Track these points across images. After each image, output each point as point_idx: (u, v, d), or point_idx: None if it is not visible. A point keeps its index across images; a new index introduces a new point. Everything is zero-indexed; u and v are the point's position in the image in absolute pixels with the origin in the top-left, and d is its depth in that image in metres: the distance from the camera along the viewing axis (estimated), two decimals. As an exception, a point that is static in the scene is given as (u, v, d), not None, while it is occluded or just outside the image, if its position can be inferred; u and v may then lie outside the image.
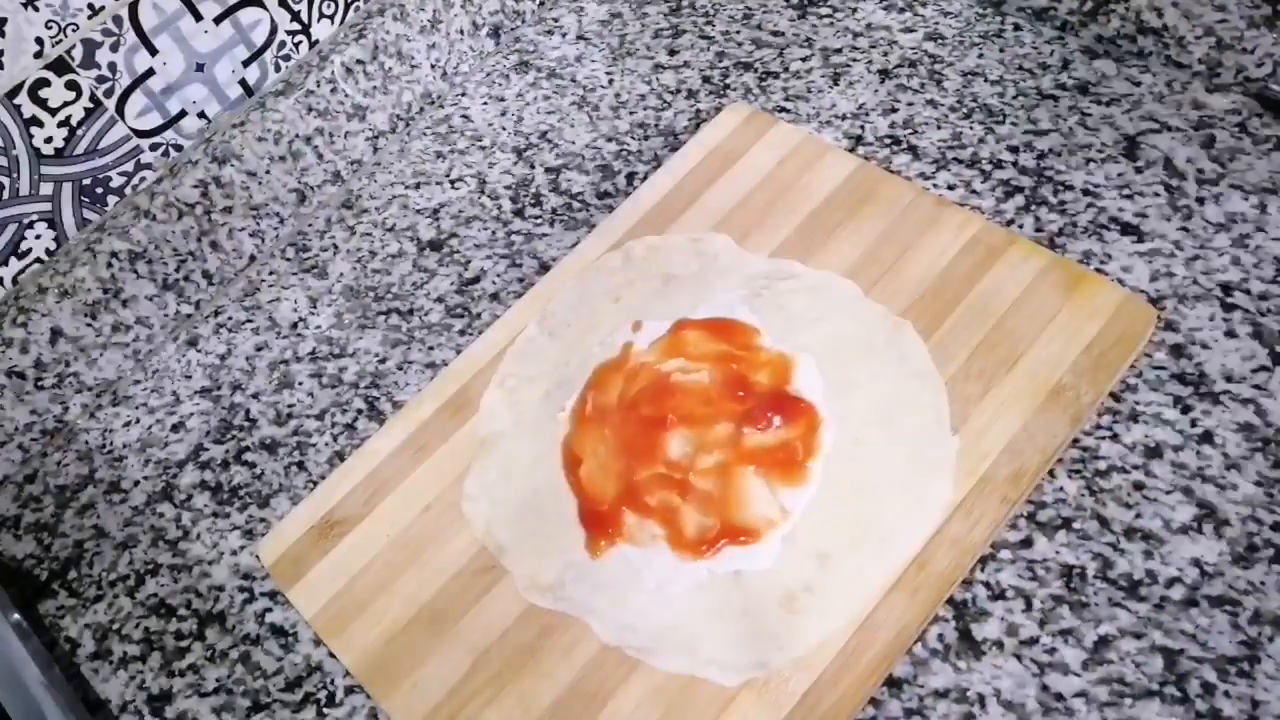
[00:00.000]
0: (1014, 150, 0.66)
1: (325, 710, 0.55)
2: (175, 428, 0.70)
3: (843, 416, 0.56)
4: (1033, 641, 0.48)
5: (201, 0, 0.69)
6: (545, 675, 0.52)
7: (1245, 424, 0.52)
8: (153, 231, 0.71)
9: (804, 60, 0.76)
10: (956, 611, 0.50)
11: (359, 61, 0.77)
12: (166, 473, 0.68)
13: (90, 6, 0.64)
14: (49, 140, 0.66)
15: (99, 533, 0.66)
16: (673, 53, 0.80)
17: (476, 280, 0.71)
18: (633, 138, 0.76)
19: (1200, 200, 0.60)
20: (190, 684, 0.58)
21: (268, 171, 0.75)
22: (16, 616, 0.61)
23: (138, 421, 0.71)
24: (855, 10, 0.77)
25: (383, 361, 0.69)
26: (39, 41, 0.63)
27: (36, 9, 0.62)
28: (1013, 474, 0.52)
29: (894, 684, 0.49)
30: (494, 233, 0.74)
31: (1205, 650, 0.46)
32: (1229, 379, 0.53)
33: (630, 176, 0.74)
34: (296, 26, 0.75)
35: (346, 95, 0.77)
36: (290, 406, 0.68)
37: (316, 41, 0.77)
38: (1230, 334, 0.55)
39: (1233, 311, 0.55)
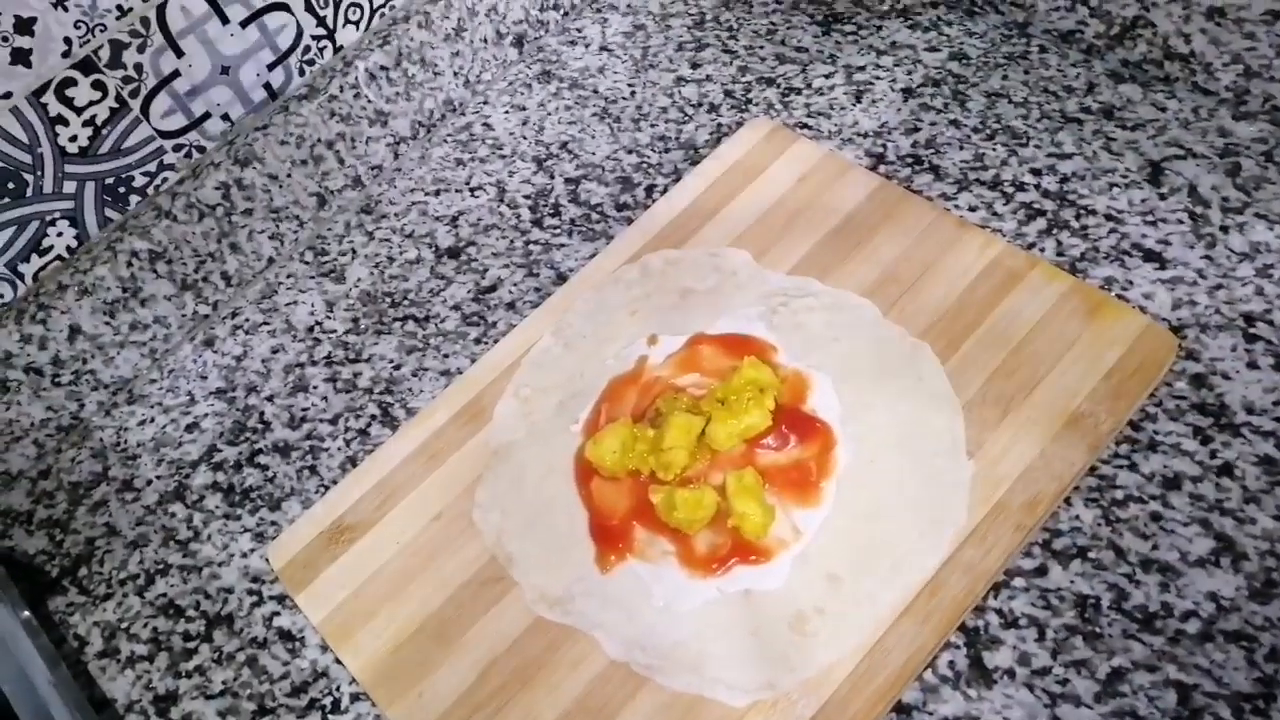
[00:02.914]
0: (1037, 173, 0.65)
1: (330, 717, 0.55)
2: (189, 428, 0.70)
3: (858, 437, 0.56)
4: (1045, 672, 0.47)
5: (228, 3, 0.70)
6: (552, 689, 0.52)
7: (1265, 457, 0.51)
8: (173, 232, 0.71)
9: (827, 77, 0.75)
10: (968, 638, 0.49)
11: (382, 68, 0.77)
12: (179, 473, 0.68)
13: (119, 8, 0.65)
14: (74, 139, 0.67)
15: (110, 531, 0.66)
16: (695, 66, 0.80)
17: (493, 289, 0.71)
18: (653, 150, 0.76)
19: (1224, 229, 0.59)
20: (196, 685, 0.58)
21: (289, 175, 0.76)
22: (26, 613, 0.61)
23: (152, 420, 0.71)
24: (880, 28, 0.77)
25: (398, 368, 0.69)
26: (67, 41, 0.64)
27: (65, 9, 0.63)
28: (1028, 501, 0.51)
29: (903, 710, 0.48)
30: (512, 242, 0.74)
31: (1220, 686, 0.45)
32: (1250, 410, 0.53)
33: (650, 189, 0.73)
34: (322, 31, 0.76)
35: (369, 101, 0.78)
36: (304, 410, 0.69)
37: (341, 47, 0.78)
38: (1252, 365, 0.54)
39: (1255, 342, 0.55)
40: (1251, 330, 0.55)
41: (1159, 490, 0.51)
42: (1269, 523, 0.49)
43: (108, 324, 0.71)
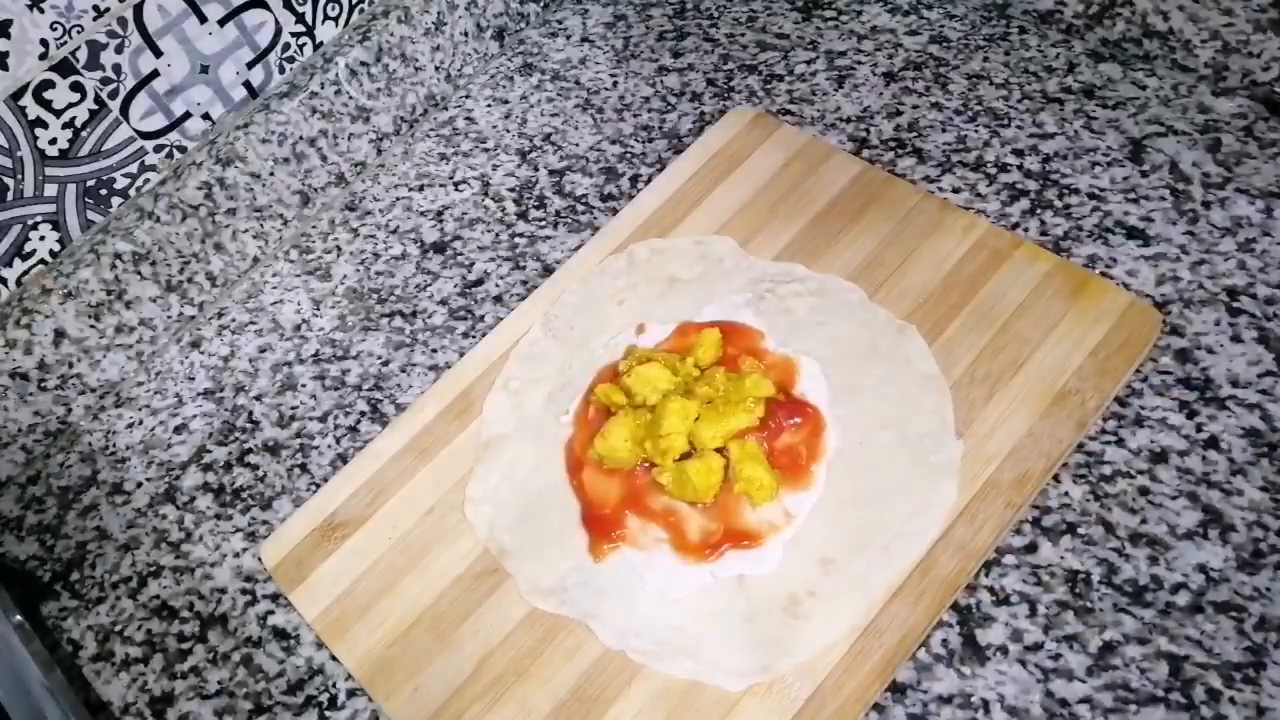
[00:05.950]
0: (1019, 154, 0.65)
1: (327, 713, 0.55)
2: (178, 429, 0.70)
3: (847, 420, 0.56)
4: (1037, 647, 0.48)
5: (206, 2, 0.69)
6: (547, 679, 0.52)
7: (1251, 429, 0.51)
8: (156, 233, 0.71)
9: (808, 63, 0.75)
10: (961, 617, 0.50)
11: (363, 63, 0.77)
12: (169, 474, 0.68)
13: (95, 8, 0.64)
14: (53, 142, 0.66)
15: (101, 534, 0.66)
16: (677, 55, 0.80)
17: (480, 283, 0.71)
18: (637, 140, 0.76)
19: (1206, 204, 0.60)
20: (192, 686, 0.58)
21: (271, 173, 0.75)
22: (19, 618, 0.60)
23: (141, 423, 0.71)
24: (860, 13, 0.77)
25: (386, 364, 0.69)
26: (44, 43, 0.63)
27: (41, 10, 0.62)
28: (1017, 479, 0.52)
29: (898, 689, 0.48)
30: (497, 235, 0.74)
31: (1210, 657, 0.46)
32: (1235, 384, 0.53)
33: (634, 179, 0.73)
34: (301, 28, 0.75)
35: (350, 97, 0.77)
36: (293, 409, 0.68)
37: (321, 43, 0.77)
38: (1236, 339, 0.55)
39: (1239, 316, 0.55)
40: (1234, 304, 0.56)
41: (1146, 465, 0.52)
42: (1255, 494, 0.50)
43: (93, 327, 0.70)
